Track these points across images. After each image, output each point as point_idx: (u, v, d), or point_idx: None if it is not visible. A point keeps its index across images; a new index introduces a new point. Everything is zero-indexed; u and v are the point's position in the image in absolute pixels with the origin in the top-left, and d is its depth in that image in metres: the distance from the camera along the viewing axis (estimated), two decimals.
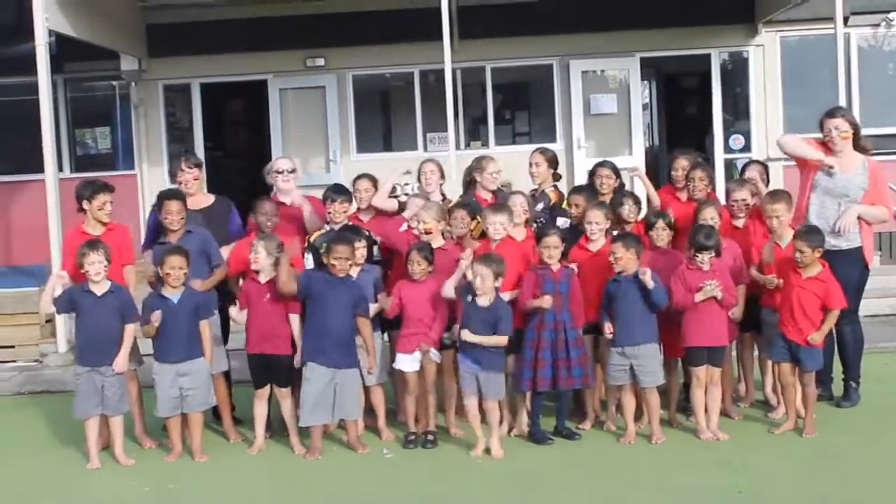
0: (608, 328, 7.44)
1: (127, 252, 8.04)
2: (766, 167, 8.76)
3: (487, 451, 7.32)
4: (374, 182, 8.58)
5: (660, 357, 7.57)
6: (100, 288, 7.37)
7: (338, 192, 8.16)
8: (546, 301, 7.31)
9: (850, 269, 7.87)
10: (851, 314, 8.07)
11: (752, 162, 9.18)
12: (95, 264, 7.31)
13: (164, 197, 7.98)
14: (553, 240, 7.48)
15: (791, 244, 7.45)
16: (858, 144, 8.11)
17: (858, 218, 7.97)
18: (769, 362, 7.98)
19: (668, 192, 8.58)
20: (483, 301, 7.25)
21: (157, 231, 8.12)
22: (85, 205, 7.88)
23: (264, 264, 7.53)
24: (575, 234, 7.93)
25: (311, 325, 7.40)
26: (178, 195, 8.01)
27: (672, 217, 7.85)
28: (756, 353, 8.27)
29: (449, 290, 7.48)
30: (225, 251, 8.09)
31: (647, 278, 7.26)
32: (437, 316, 7.55)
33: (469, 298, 7.28)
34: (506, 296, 7.46)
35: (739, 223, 8.06)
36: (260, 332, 7.59)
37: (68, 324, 10.32)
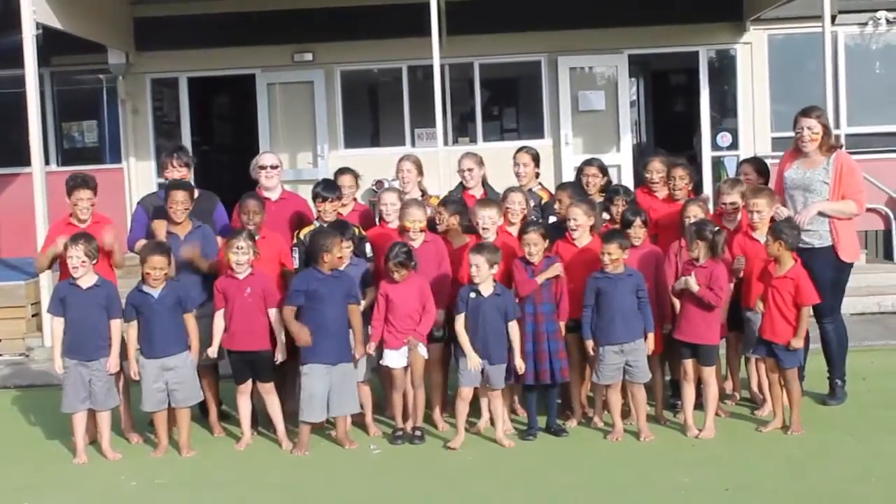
0: (590, 345, 7.49)
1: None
2: (762, 165, 8.53)
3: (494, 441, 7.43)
4: (356, 177, 8.61)
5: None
6: (85, 281, 7.36)
7: (328, 189, 8.10)
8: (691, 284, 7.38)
9: (822, 267, 7.83)
10: (833, 313, 8.07)
11: (746, 160, 8.95)
12: (73, 258, 7.30)
13: (170, 187, 7.92)
14: (531, 237, 7.46)
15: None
16: (826, 145, 7.95)
17: (829, 216, 7.90)
18: (754, 360, 7.99)
19: (644, 193, 8.43)
20: (486, 290, 7.29)
21: (145, 225, 8.11)
22: (67, 199, 7.89)
23: (247, 260, 7.52)
24: (562, 231, 7.92)
25: (307, 324, 7.35)
26: (184, 185, 7.92)
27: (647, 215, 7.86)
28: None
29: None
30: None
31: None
32: (423, 310, 7.55)
33: (472, 295, 7.31)
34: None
35: (731, 226, 7.94)
36: (240, 329, 7.54)
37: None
